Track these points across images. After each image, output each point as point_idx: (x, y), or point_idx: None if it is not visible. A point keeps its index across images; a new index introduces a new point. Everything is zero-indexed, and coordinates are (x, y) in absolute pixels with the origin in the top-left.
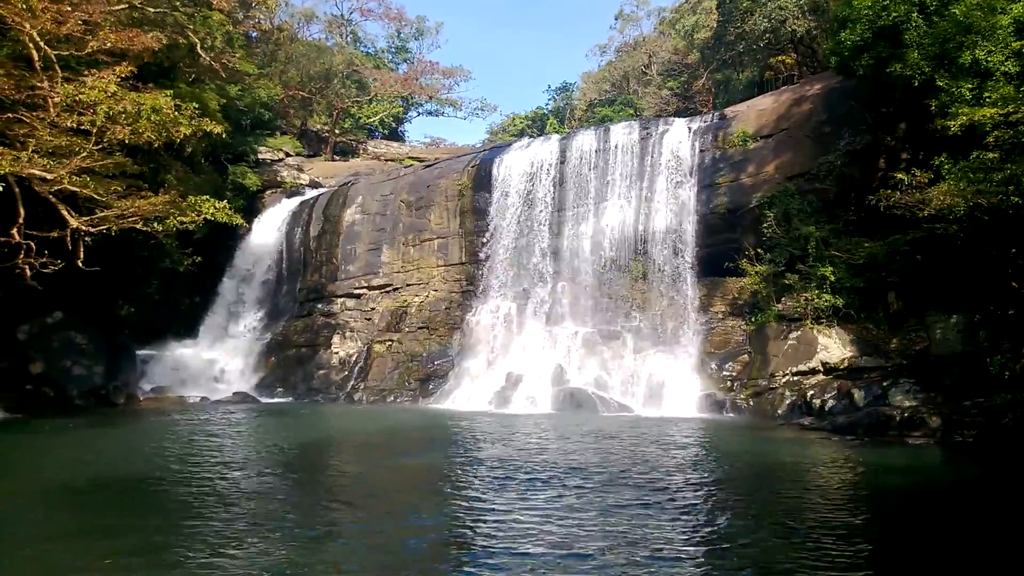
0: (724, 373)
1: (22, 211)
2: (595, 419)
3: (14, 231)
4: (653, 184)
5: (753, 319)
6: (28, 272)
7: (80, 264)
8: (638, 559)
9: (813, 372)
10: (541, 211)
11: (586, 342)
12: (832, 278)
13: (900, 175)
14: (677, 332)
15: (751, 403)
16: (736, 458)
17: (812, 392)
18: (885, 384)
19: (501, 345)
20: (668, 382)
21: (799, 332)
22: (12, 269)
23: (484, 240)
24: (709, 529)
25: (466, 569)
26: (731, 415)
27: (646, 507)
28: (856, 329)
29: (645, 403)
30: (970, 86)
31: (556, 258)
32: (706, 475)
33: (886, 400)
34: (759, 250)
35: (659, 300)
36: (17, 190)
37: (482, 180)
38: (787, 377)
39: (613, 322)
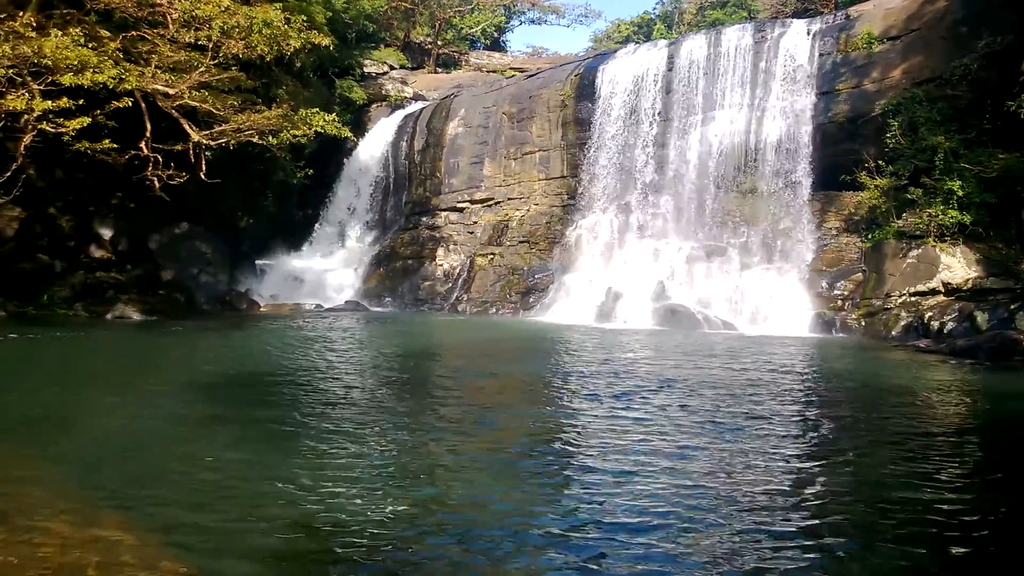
0: (835, 292)
1: (149, 126)
2: (697, 336)
3: (142, 144)
4: (767, 91)
5: (870, 236)
6: (156, 184)
7: (203, 176)
8: (743, 475)
9: (933, 293)
10: (646, 122)
11: (690, 258)
12: (960, 192)
13: None
14: (787, 248)
15: (863, 323)
16: (847, 378)
17: (930, 313)
18: (1013, 307)
19: (602, 260)
20: (775, 300)
21: (920, 250)
22: (142, 181)
23: (586, 153)
24: (817, 449)
25: (567, 473)
26: (841, 335)
27: (751, 424)
28: (983, 248)
29: (750, 321)
30: None
31: (661, 171)
32: (814, 395)
33: (1013, 324)
34: (880, 162)
35: (769, 215)
36: (143, 106)
37: (585, 90)
38: (903, 297)
39: (719, 237)
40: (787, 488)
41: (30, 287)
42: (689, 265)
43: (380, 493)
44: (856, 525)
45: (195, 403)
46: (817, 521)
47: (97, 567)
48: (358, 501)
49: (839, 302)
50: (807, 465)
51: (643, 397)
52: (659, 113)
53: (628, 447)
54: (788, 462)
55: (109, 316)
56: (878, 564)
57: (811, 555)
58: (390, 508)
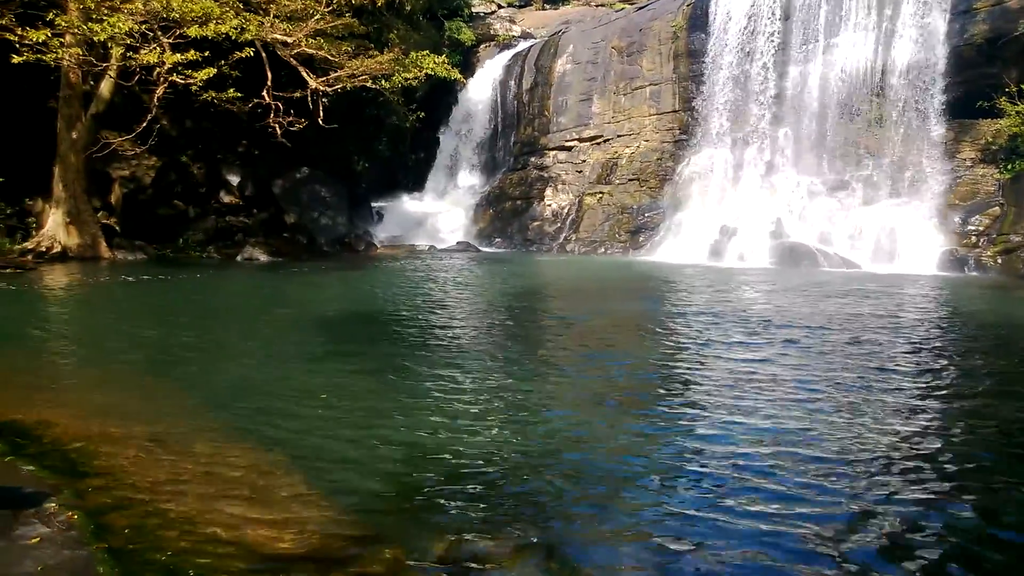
0: (969, 227)
1: (269, 74)
2: (817, 274)
3: (264, 93)
4: (897, 11)
5: (1009, 166)
6: (278, 131)
7: (320, 122)
8: (864, 423)
9: None
10: (763, 50)
11: (809, 192)
12: None
13: None
14: (915, 181)
15: (999, 261)
16: (981, 319)
17: None
18: None
19: (715, 196)
20: (902, 236)
21: None
22: (265, 129)
23: (699, 85)
24: (946, 399)
25: (681, 413)
26: (975, 273)
27: (875, 369)
28: None
29: (874, 258)
30: None
31: (779, 102)
32: (945, 338)
33: None
34: (1023, 86)
35: (896, 145)
36: (264, 55)
37: (698, 19)
38: None
39: (841, 171)
40: (911, 441)
41: (167, 231)
42: (809, 200)
43: (490, 426)
44: (987, 481)
45: (317, 339)
46: (943, 472)
47: (230, 480)
48: (469, 433)
49: (973, 238)
50: (934, 415)
51: (759, 338)
52: (777, 41)
53: (743, 389)
54: (915, 412)
55: (239, 258)
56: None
57: (924, 507)
58: (500, 441)
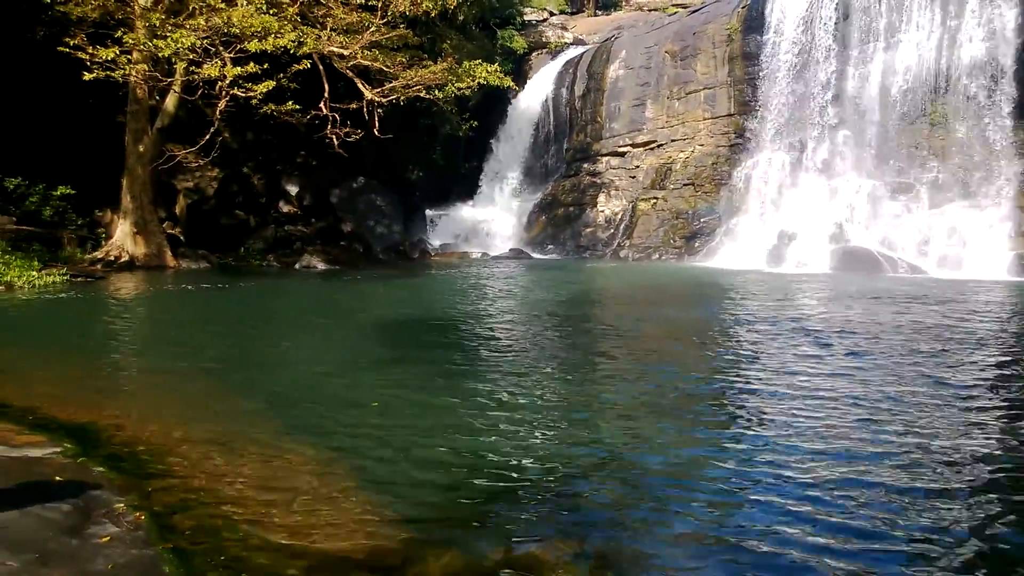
0: None
1: (326, 86)
2: (880, 281)
3: (321, 105)
4: (961, 8)
5: None
6: (335, 141)
7: (376, 132)
8: (929, 435)
9: None
10: (821, 51)
11: (871, 196)
12: None
13: None
14: (984, 183)
15: None
16: None
17: None
18: None
19: (773, 201)
20: (970, 240)
21: None
22: (322, 140)
23: (755, 88)
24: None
25: (738, 421)
26: None
27: (943, 381)
28: None
29: (940, 264)
30: None
31: (838, 103)
32: (1018, 348)
33: None
34: None
35: (963, 147)
36: (321, 67)
37: (753, 21)
38: None
39: (904, 173)
40: (979, 454)
41: (229, 240)
42: (871, 204)
43: (545, 433)
44: None
45: (371, 345)
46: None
47: (288, 484)
48: (522, 440)
49: None
50: (1013, 439)
51: (819, 349)
52: (836, 41)
53: (802, 404)
54: (983, 425)
55: (297, 266)
56: None
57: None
58: (555, 447)
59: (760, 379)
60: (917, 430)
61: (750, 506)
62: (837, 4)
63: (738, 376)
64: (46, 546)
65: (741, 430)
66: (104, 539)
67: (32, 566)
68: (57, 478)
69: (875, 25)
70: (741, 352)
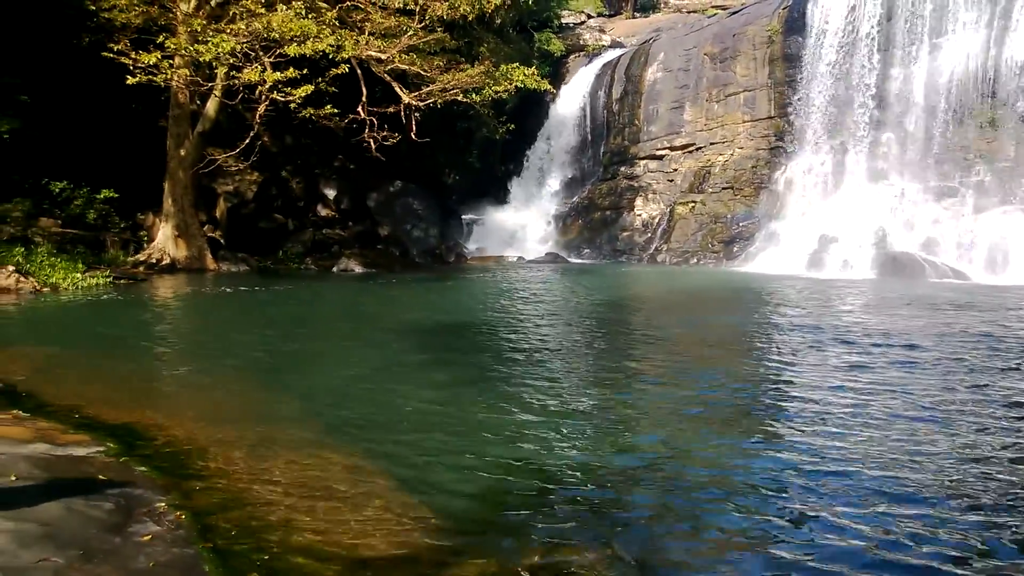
0: None
1: (364, 90)
2: (922, 286)
3: (359, 109)
4: (1010, 6)
5: None
6: (373, 145)
7: (413, 136)
8: (971, 445)
9: None
10: (864, 52)
11: (915, 200)
12: None
13: None
14: None
15: None
16: None
17: None
18: None
19: (814, 204)
20: (1016, 245)
21: None
22: (360, 143)
23: (796, 90)
24: None
25: (776, 428)
26: None
27: (987, 389)
28: None
29: (986, 269)
30: None
31: (881, 105)
32: None
33: None
34: None
35: (1011, 149)
36: (359, 72)
37: (794, 22)
38: None
39: (949, 177)
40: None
41: (268, 243)
42: (914, 208)
43: (581, 439)
44: None
45: (409, 349)
46: None
47: (326, 486)
48: (558, 445)
49: None
50: None
51: (861, 356)
52: (879, 42)
53: (843, 413)
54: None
55: (335, 269)
56: None
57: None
58: (590, 453)
59: (800, 389)
60: (962, 445)
61: (788, 516)
62: (880, 4)
63: (777, 385)
64: (90, 543)
65: (779, 440)
66: (146, 537)
67: (77, 562)
68: (100, 477)
69: (920, 25)
70: (779, 361)
